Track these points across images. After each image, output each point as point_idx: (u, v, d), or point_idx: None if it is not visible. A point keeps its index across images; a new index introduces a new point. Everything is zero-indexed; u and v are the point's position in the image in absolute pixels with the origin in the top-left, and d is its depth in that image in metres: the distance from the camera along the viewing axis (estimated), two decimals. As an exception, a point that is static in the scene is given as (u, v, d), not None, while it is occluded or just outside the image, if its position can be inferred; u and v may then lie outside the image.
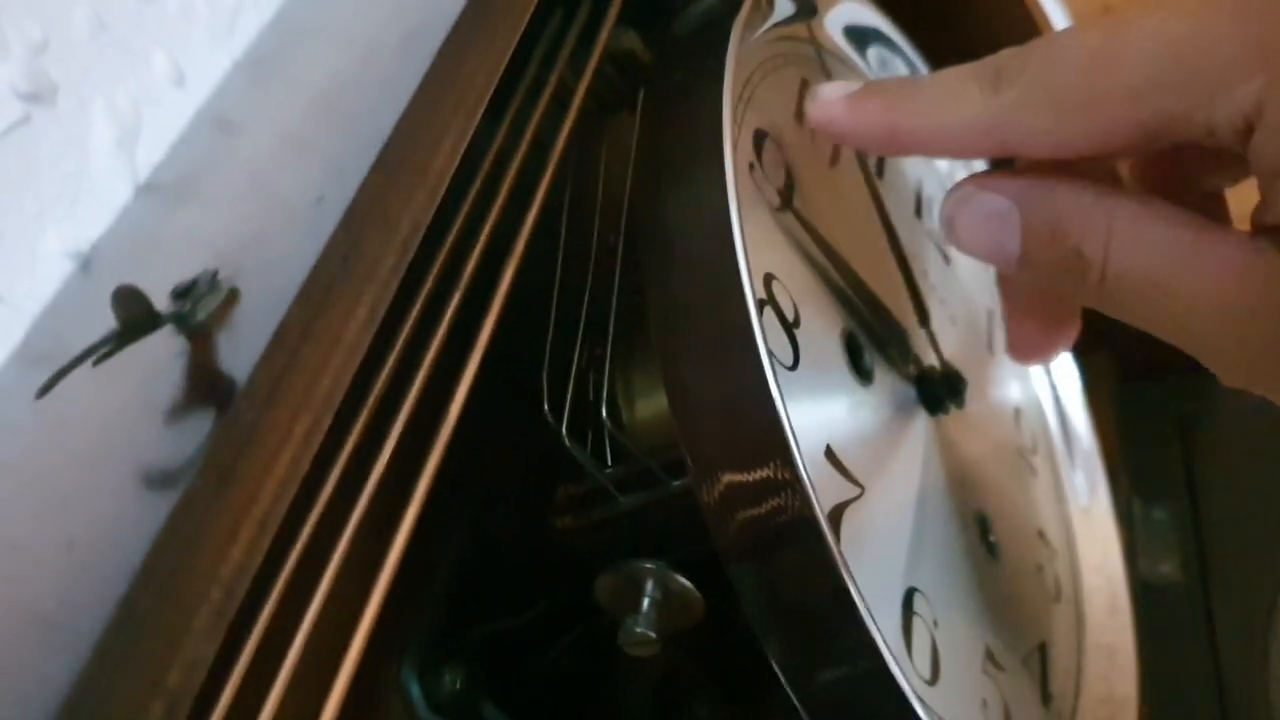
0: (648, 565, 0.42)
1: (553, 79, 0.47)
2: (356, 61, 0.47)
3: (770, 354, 0.36)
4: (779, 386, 0.36)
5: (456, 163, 0.30)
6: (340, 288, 0.26)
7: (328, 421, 0.24)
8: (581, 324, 0.46)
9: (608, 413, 0.44)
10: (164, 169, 0.47)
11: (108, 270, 0.43)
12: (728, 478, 0.37)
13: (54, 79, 0.44)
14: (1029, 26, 0.63)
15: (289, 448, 0.23)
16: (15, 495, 0.28)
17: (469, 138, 0.30)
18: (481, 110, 0.31)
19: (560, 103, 0.47)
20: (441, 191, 0.29)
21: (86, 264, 0.43)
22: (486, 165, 0.44)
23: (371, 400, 0.30)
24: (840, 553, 0.36)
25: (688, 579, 0.42)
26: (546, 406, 0.43)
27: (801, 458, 0.36)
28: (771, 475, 0.36)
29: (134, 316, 0.27)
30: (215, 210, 0.44)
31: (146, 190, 0.46)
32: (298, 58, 0.54)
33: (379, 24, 0.50)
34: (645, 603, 0.42)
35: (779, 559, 0.37)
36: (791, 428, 0.36)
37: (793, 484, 0.36)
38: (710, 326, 0.37)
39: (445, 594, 0.46)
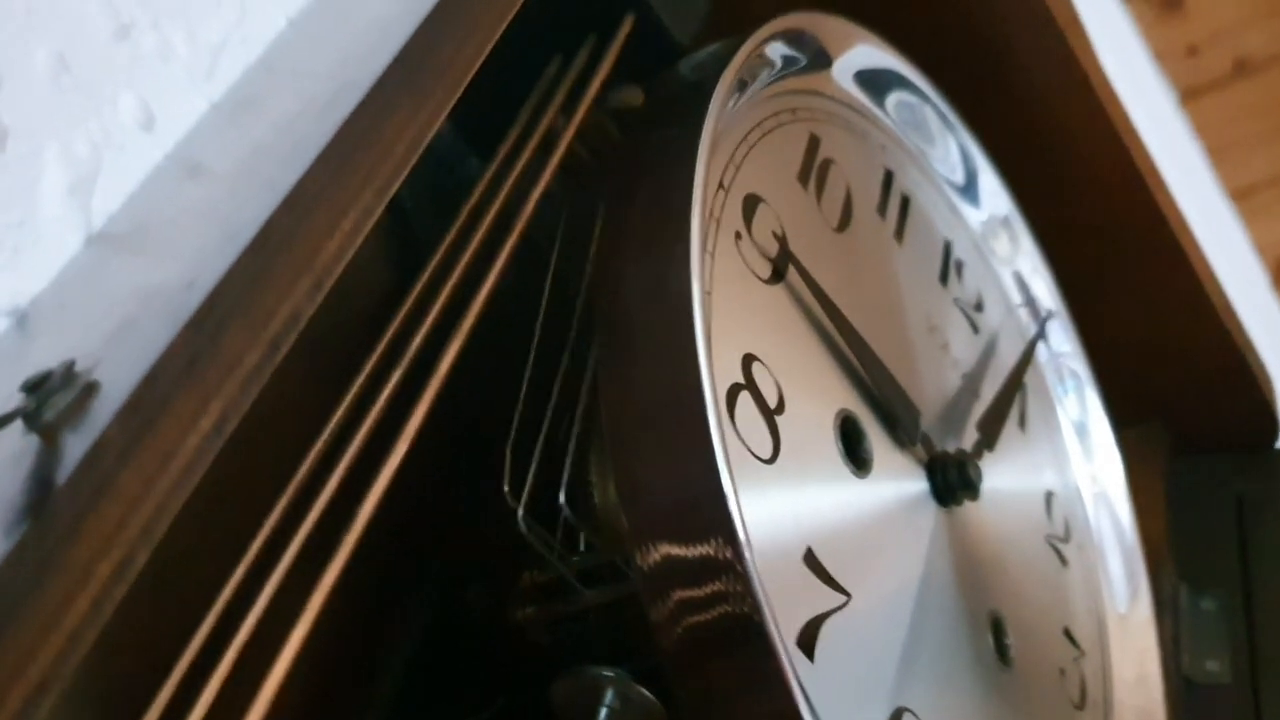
0: (606, 673, 0.38)
1: (540, 129, 0.44)
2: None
3: (727, 454, 0.32)
4: (735, 491, 0.32)
5: (355, 246, 0.26)
6: (180, 396, 0.22)
7: (143, 557, 0.20)
8: (554, 396, 0.43)
9: (574, 494, 0.40)
10: (120, 218, 0.44)
11: (45, 327, 0.40)
12: (676, 588, 0.33)
13: (3, 122, 0.42)
14: (1065, 59, 0.58)
15: (86, 593, 0.20)
16: None
17: (376, 216, 0.27)
18: (398, 184, 0.28)
19: (549, 155, 0.44)
20: (331, 279, 0.25)
21: (23, 320, 0.40)
22: (461, 218, 0.41)
23: (274, 520, 0.27)
24: (797, 675, 0.32)
25: (652, 689, 0.38)
26: (506, 486, 0.40)
27: (755, 568, 0.32)
28: (723, 589, 0.32)
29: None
30: (170, 262, 0.41)
31: (98, 241, 0.43)
32: (283, 102, 0.51)
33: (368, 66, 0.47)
34: (602, 713, 0.38)
35: (727, 680, 0.33)
36: (747, 536, 0.32)
37: (745, 596, 0.32)
38: (665, 419, 0.33)
39: (397, 687, 0.43)
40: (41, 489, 0.24)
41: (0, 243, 0.41)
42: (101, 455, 0.22)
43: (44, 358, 0.39)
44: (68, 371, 0.26)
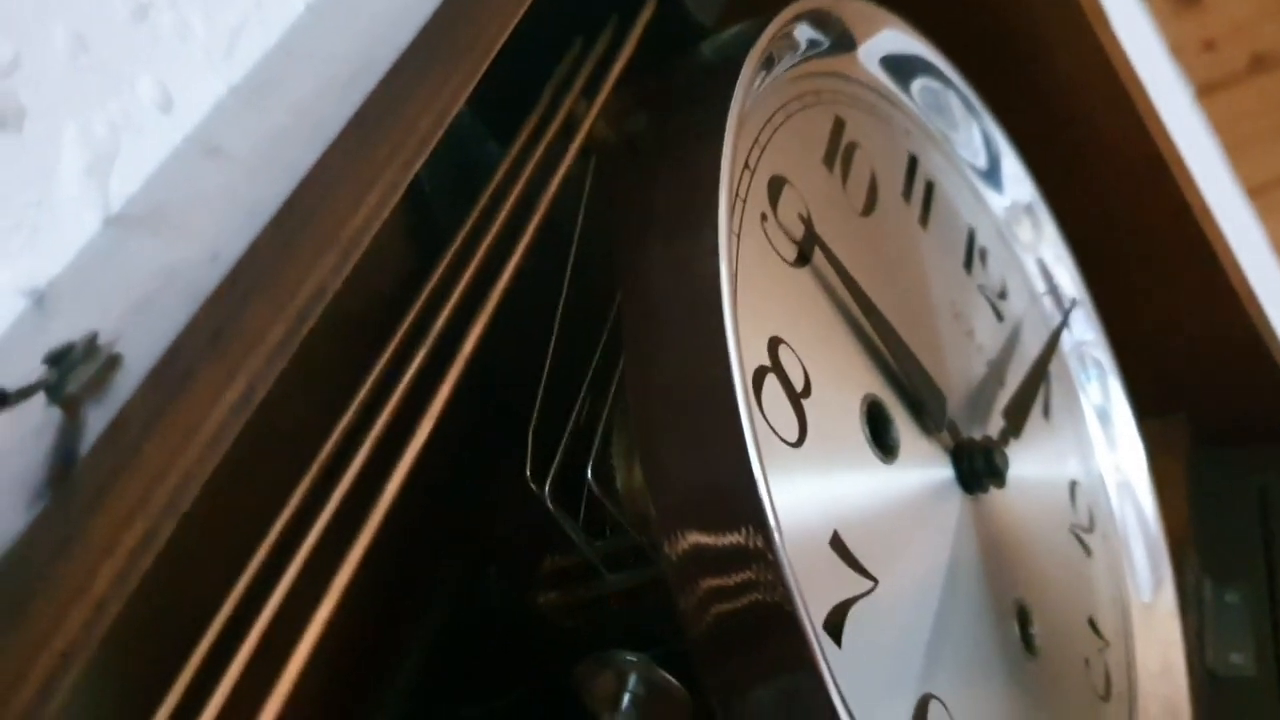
0: (630, 658, 0.38)
1: (561, 112, 0.44)
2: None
3: (755, 436, 0.32)
4: (764, 473, 0.32)
5: (381, 219, 0.26)
6: (205, 367, 0.22)
7: (168, 530, 0.20)
8: (589, 375, 0.42)
9: (599, 475, 0.40)
10: (138, 200, 0.44)
11: (63, 307, 0.40)
12: (705, 576, 0.32)
13: (22, 103, 0.41)
14: (1090, 46, 0.58)
15: (109, 563, 0.19)
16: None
17: (401, 190, 0.27)
18: (423, 158, 0.28)
19: (570, 137, 0.43)
20: (356, 253, 0.25)
21: (41, 300, 0.40)
22: (482, 201, 0.41)
23: (297, 499, 0.27)
24: (827, 661, 0.32)
25: (676, 675, 0.38)
26: (529, 468, 0.39)
27: (785, 554, 0.31)
28: (754, 577, 0.32)
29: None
30: (190, 243, 0.41)
31: (116, 222, 0.43)
32: (303, 84, 0.50)
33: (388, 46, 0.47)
34: (626, 699, 0.38)
35: (756, 667, 0.32)
36: (778, 523, 0.31)
37: (775, 583, 0.31)
38: (691, 401, 0.33)
39: (419, 671, 0.42)
40: (64, 462, 0.23)
41: (19, 223, 0.40)
42: (125, 427, 0.22)
43: (62, 338, 0.39)
44: (90, 344, 0.25)
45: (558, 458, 0.40)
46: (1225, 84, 1.85)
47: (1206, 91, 1.85)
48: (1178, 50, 1.83)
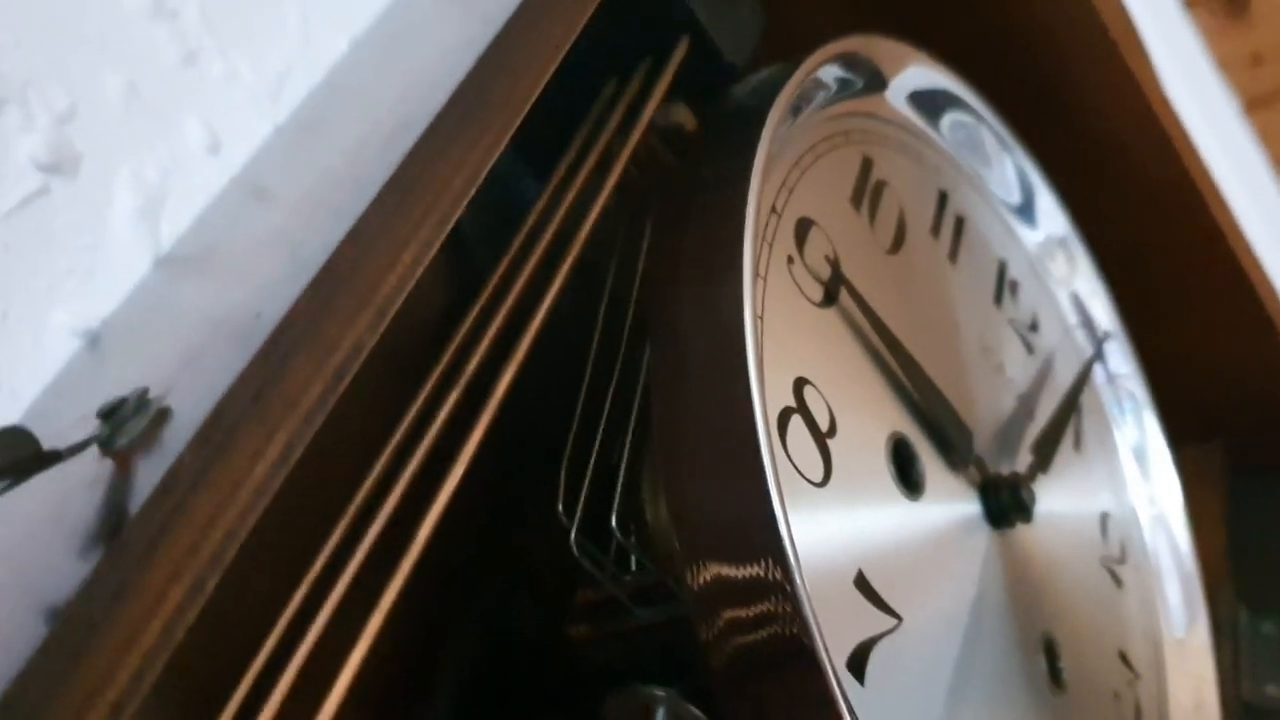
0: (658, 691, 0.39)
1: (595, 151, 0.45)
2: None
3: (778, 480, 0.33)
4: (786, 516, 0.32)
5: (415, 278, 0.27)
6: (247, 427, 0.23)
7: (213, 581, 0.21)
8: (605, 413, 0.43)
9: (626, 513, 0.41)
10: (187, 241, 0.45)
11: (116, 347, 0.41)
12: (726, 609, 0.33)
13: (78, 149, 0.43)
14: (1123, 79, 0.58)
15: (159, 616, 0.20)
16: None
17: (435, 248, 0.28)
18: (456, 216, 0.29)
19: (604, 177, 0.45)
20: (392, 310, 0.26)
21: (95, 341, 0.41)
22: (519, 238, 0.42)
23: (335, 540, 0.28)
24: (845, 696, 0.32)
25: (703, 709, 0.39)
26: (561, 505, 0.40)
27: (804, 586, 0.32)
28: (773, 609, 0.32)
29: (18, 459, 0.25)
30: (237, 287, 0.42)
31: (166, 263, 0.44)
32: (347, 124, 0.52)
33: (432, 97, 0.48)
34: (654, 732, 0.38)
35: (775, 701, 0.33)
36: (797, 559, 0.32)
37: (794, 615, 0.32)
38: (715, 443, 0.34)
39: (452, 703, 0.44)
40: (114, 512, 0.25)
41: (74, 265, 0.42)
42: (175, 483, 0.23)
43: (115, 378, 0.40)
44: (141, 398, 0.27)
45: (583, 494, 0.41)
46: (1274, 98, 1.84)
47: (1255, 105, 1.84)
48: (1226, 65, 1.81)
